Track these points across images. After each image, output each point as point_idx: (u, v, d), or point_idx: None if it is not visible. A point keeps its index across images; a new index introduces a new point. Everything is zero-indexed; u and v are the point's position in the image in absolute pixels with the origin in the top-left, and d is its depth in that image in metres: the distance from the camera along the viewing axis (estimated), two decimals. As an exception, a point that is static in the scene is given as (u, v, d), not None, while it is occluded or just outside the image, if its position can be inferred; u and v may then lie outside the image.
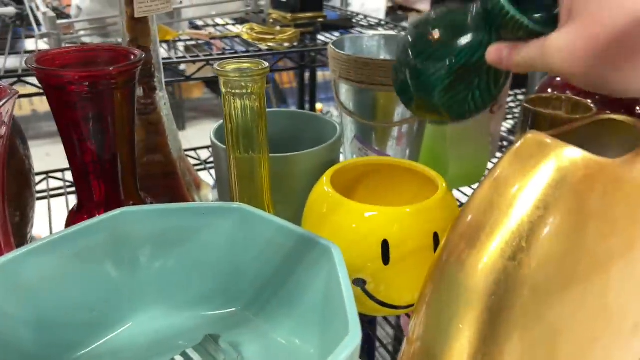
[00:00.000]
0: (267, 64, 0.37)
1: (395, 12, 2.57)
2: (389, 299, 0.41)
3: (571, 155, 0.27)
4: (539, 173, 0.27)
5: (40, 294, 0.31)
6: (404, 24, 1.08)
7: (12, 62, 0.74)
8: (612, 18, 0.24)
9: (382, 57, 0.60)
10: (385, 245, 0.39)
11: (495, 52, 0.32)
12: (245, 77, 0.36)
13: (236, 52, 0.77)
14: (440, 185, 0.43)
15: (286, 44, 0.78)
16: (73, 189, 0.68)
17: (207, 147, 0.78)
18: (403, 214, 0.39)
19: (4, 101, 0.34)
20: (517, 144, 0.29)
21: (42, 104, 2.57)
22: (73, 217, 0.39)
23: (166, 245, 0.35)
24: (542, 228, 0.27)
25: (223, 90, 0.37)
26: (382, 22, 1.01)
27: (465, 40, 0.34)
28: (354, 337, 0.23)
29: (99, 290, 0.33)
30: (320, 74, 2.23)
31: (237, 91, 0.37)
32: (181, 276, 0.35)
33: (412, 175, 0.47)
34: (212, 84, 2.94)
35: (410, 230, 0.39)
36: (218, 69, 0.36)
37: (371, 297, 0.41)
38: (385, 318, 0.51)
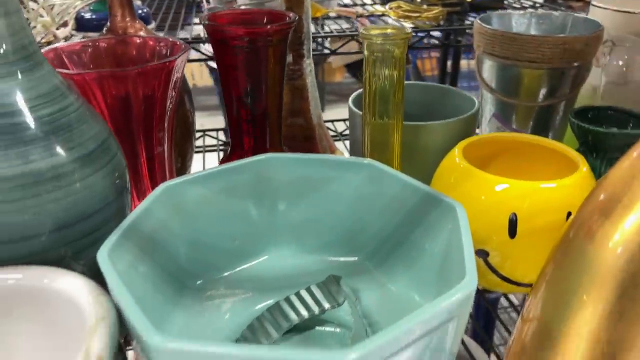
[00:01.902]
0: (410, 30, 0.39)
1: (555, -1, 2.38)
2: (511, 274, 0.40)
3: None
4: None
5: (195, 219, 0.36)
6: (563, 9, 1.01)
7: (184, 34, 0.84)
8: None
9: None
10: (513, 218, 0.38)
11: None
12: (388, 41, 0.38)
13: (381, 30, 0.79)
14: (581, 165, 0.41)
15: (432, 22, 0.78)
16: (225, 147, 0.76)
17: (344, 120, 0.82)
18: (536, 189, 0.38)
19: (179, 54, 0.40)
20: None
21: (201, 79, 2.84)
22: (225, 161, 0.44)
23: (302, 191, 0.38)
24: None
25: (366, 53, 0.39)
26: (537, 5, 0.95)
27: None
28: (470, 282, 0.24)
29: (242, 224, 0.38)
30: (465, 63, 2.16)
31: (379, 54, 0.39)
32: (312, 222, 0.38)
33: (552, 155, 0.45)
34: (352, 68, 3.00)
35: (542, 207, 0.38)
36: (363, 32, 0.39)
37: (493, 270, 0.41)
38: (503, 325, 0.50)
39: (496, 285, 0.42)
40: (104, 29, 0.53)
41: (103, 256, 0.27)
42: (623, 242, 0.27)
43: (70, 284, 0.28)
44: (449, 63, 1.50)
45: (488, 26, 0.52)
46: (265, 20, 0.42)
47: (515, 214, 0.38)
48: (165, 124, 0.42)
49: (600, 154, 0.46)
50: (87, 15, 0.71)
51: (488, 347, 0.78)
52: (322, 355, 0.20)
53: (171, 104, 0.42)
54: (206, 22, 0.38)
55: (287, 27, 0.39)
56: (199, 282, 0.36)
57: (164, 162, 0.43)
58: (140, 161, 0.42)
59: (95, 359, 0.21)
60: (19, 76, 0.30)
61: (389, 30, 0.39)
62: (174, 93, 0.42)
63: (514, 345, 0.33)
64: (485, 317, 0.94)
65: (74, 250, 0.32)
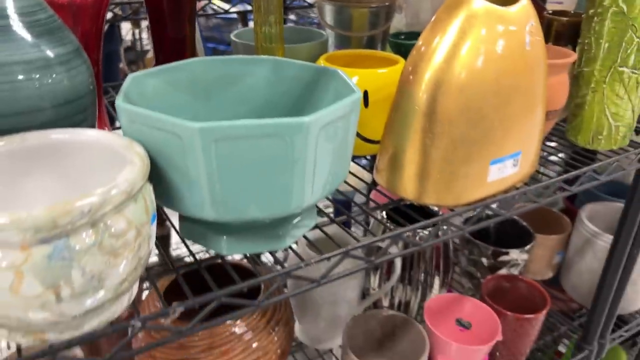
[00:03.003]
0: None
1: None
2: (369, 135, 0.60)
3: (476, 5, 0.47)
4: (459, 14, 0.47)
5: (153, 104, 0.48)
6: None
7: None
8: None
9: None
10: (365, 94, 0.58)
11: None
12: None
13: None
14: (400, 61, 0.62)
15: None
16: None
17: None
18: (376, 73, 0.59)
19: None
20: (447, 1, 0.49)
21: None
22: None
23: (224, 85, 0.52)
24: (462, 45, 0.47)
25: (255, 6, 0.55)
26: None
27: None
28: (357, 93, 0.42)
29: (186, 111, 0.51)
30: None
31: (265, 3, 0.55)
32: (234, 106, 0.53)
33: (381, 59, 0.66)
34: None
35: (381, 84, 0.59)
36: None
37: (361, 137, 0.60)
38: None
39: (362, 149, 0.62)
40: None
41: (119, 103, 0.39)
42: (430, 77, 0.48)
43: (106, 135, 0.39)
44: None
45: (325, -21, 0.72)
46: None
47: (366, 90, 0.58)
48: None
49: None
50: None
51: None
52: (286, 121, 0.36)
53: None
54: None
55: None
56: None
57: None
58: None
59: (128, 184, 0.33)
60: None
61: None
62: None
63: (377, 173, 0.53)
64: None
65: (69, 124, 0.43)
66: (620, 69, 0.62)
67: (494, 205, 0.64)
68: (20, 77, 0.39)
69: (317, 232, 0.81)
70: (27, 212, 0.29)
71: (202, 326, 0.41)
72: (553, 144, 0.73)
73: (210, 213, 0.40)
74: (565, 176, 0.59)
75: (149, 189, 0.37)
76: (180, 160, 0.38)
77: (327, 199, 0.57)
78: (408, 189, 0.52)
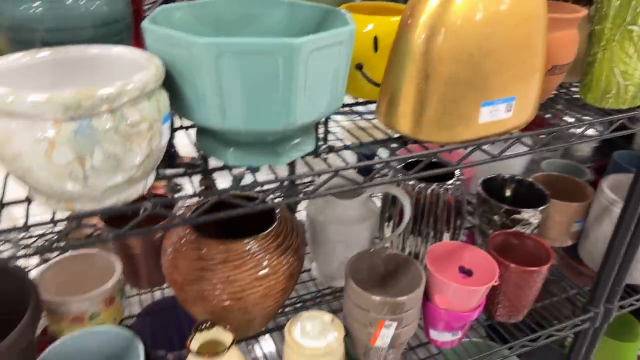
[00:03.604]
0: None
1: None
2: (377, 79, 0.65)
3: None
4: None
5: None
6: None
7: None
8: None
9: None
10: (375, 40, 0.63)
11: None
12: None
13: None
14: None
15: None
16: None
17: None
18: (387, 20, 0.63)
19: None
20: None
21: None
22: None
23: (244, 24, 0.59)
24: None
25: None
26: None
27: None
28: (352, 26, 0.47)
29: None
30: None
31: None
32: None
33: (392, 8, 0.71)
34: None
35: (390, 31, 0.63)
36: None
37: (368, 79, 0.66)
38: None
39: (369, 94, 0.67)
40: None
41: (144, 24, 0.46)
42: (421, 25, 0.52)
43: (131, 51, 0.47)
44: None
45: None
46: None
47: (376, 36, 0.63)
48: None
49: None
50: None
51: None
52: (280, 41, 0.42)
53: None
54: None
55: None
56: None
57: None
58: None
59: (141, 83, 0.41)
60: None
61: None
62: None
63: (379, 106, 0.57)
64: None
65: (106, 43, 0.51)
66: (630, 27, 0.63)
67: (486, 147, 0.67)
68: (69, 1, 0.48)
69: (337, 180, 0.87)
70: (58, 93, 0.36)
71: (204, 218, 0.48)
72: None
73: (216, 122, 0.46)
74: (568, 126, 0.62)
75: (163, 94, 0.45)
76: (190, 74, 0.44)
77: (351, 149, 0.63)
78: (404, 126, 0.57)
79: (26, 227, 0.41)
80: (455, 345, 0.82)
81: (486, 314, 0.88)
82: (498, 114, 0.58)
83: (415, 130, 0.57)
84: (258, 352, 1.16)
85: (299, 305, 1.02)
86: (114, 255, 0.81)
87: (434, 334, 0.81)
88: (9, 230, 0.41)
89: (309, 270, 1.03)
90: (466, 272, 0.82)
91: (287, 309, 1.01)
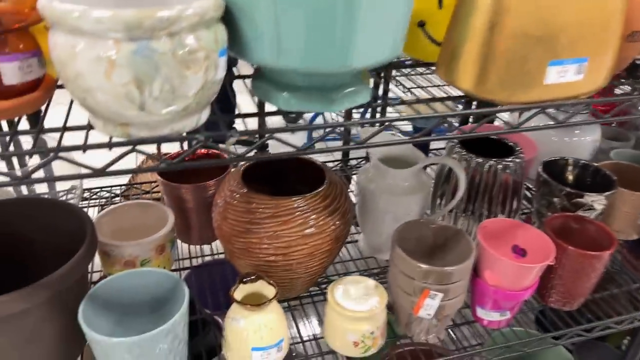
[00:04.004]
0: None
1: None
2: (439, 38, 0.63)
3: None
4: None
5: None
6: None
7: None
8: None
9: None
10: (440, -4, 0.61)
11: None
12: None
13: None
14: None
15: None
16: None
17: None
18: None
19: None
20: None
21: None
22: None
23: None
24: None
25: None
26: None
27: None
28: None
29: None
30: None
31: None
32: None
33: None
34: None
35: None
36: None
37: (430, 38, 0.64)
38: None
39: (432, 55, 0.65)
40: None
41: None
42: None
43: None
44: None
45: None
46: None
47: (442, -9, 0.61)
48: None
49: None
50: None
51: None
52: None
53: None
54: None
55: None
56: None
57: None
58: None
59: (201, 9, 0.40)
60: None
61: None
62: None
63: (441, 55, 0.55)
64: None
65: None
66: None
67: (551, 110, 0.63)
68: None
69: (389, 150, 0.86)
70: (121, 11, 0.37)
71: (255, 156, 0.48)
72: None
73: (272, 60, 0.46)
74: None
75: (222, 28, 0.45)
76: (249, 8, 0.44)
77: (408, 103, 0.61)
78: (465, 81, 0.55)
79: (85, 147, 0.43)
80: (503, 326, 0.79)
81: (538, 300, 0.84)
82: (567, 76, 0.54)
83: (476, 87, 0.54)
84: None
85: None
86: (168, 207, 0.83)
87: (480, 313, 0.78)
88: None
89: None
90: (519, 252, 0.78)
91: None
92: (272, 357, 0.68)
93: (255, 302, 0.67)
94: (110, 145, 0.43)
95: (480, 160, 0.83)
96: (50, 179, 0.41)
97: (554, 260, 0.71)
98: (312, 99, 0.51)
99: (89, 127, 0.47)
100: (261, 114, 0.55)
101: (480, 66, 0.53)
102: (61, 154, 0.42)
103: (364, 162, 1.25)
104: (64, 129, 0.47)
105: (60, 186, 0.99)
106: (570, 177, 0.96)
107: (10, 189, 0.89)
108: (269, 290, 0.68)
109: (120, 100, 0.41)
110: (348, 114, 1.26)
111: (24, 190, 0.95)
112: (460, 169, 0.78)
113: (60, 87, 0.53)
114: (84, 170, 0.43)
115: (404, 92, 1.22)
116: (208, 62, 0.43)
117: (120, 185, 1.15)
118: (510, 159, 0.84)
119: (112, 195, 1.12)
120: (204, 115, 0.48)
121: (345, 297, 0.70)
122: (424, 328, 0.75)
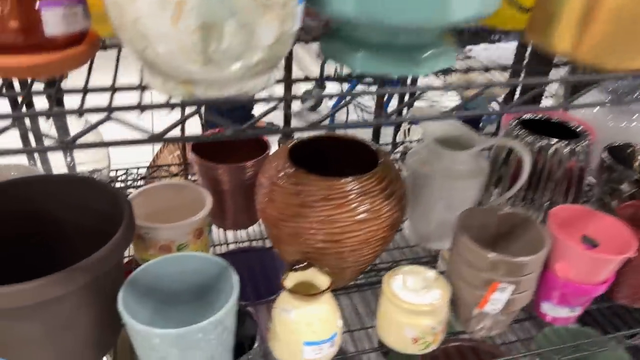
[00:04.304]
0: None
1: None
2: (525, 3, 0.56)
3: None
4: None
5: None
6: None
7: None
8: None
9: None
10: (527, -49, 0.54)
11: None
12: None
13: None
14: None
15: None
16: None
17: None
18: None
19: None
20: None
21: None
22: None
23: None
24: None
25: None
26: None
27: None
28: None
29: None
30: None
31: None
32: None
33: None
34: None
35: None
36: None
37: (517, 5, 0.56)
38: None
39: (521, 22, 0.58)
40: None
41: None
42: None
43: None
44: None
45: None
46: None
47: (529, -53, 0.54)
48: None
49: None
50: None
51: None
52: None
53: None
54: None
55: None
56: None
57: None
58: None
59: None
60: None
61: None
62: None
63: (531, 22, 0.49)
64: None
65: None
66: None
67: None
68: None
69: (444, 131, 0.79)
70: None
71: (329, 125, 0.42)
72: None
73: (352, 8, 0.39)
74: None
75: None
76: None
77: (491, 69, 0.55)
78: (563, 42, 0.48)
79: (140, 107, 0.36)
80: (570, 322, 0.73)
81: (606, 295, 0.77)
82: (682, 39, 0.47)
83: (576, 50, 0.47)
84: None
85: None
86: (205, 188, 0.77)
87: (546, 307, 0.71)
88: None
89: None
90: (590, 242, 0.72)
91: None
92: (325, 353, 0.62)
93: (305, 291, 0.60)
94: (170, 105, 0.37)
95: (545, 142, 0.76)
96: (100, 144, 0.34)
97: (636, 253, 0.64)
98: (393, 61, 0.44)
99: (142, 87, 0.40)
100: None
101: (583, 26, 0.46)
102: (114, 115, 0.36)
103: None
104: (113, 89, 0.41)
105: (80, 168, 0.94)
106: (636, 165, 0.89)
107: (32, 167, 0.83)
108: (321, 280, 0.62)
109: (187, 51, 0.34)
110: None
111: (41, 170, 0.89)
112: (526, 151, 0.71)
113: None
114: (138, 135, 0.37)
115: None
116: (286, 10, 0.36)
117: (138, 168, 1.08)
118: (577, 143, 0.77)
119: (137, 177, 1.07)
120: (274, 76, 0.41)
121: (403, 289, 0.64)
122: (487, 324, 0.68)
